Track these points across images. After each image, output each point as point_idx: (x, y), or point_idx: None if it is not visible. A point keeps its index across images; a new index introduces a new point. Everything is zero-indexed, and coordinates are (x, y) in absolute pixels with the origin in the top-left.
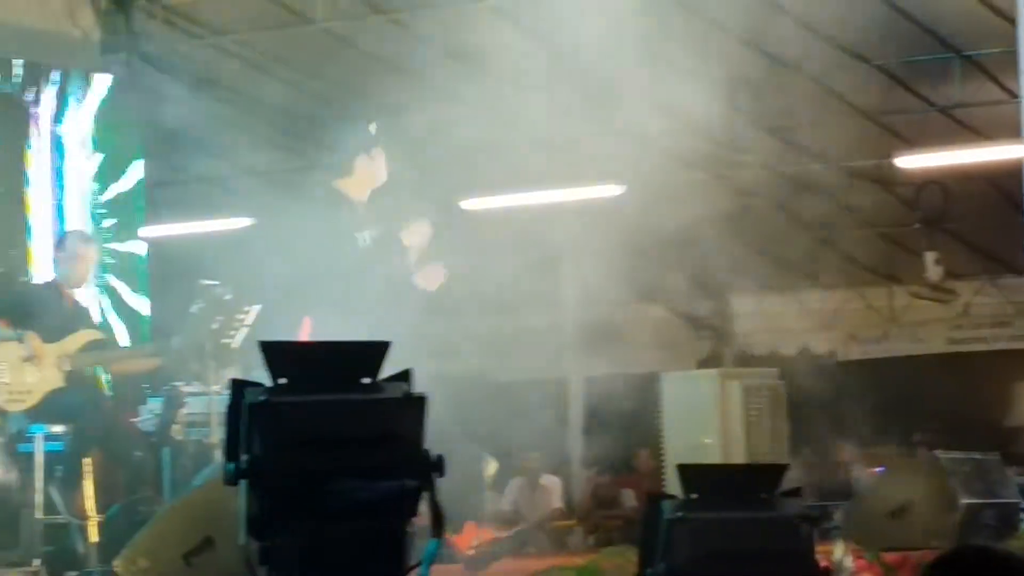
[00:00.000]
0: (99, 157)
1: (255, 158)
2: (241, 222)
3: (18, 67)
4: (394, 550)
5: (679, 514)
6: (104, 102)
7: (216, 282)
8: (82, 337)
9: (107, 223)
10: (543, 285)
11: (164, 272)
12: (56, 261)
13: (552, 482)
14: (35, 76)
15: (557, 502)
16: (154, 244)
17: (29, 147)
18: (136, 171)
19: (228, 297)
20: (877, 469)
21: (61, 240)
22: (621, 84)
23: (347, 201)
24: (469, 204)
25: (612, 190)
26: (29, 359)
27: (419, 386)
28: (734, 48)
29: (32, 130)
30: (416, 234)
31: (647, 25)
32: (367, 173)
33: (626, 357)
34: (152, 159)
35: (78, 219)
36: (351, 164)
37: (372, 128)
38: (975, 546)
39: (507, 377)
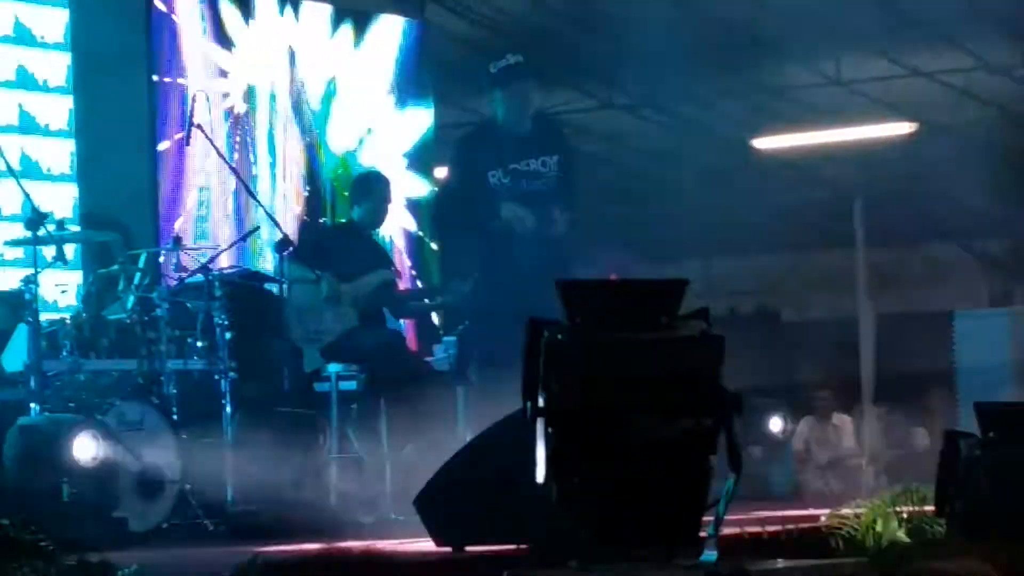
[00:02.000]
0: (392, 98)
1: (546, 98)
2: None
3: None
4: (692, 488)
5: (978, 452)
6: (398, 44)
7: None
8: (377, 277)
9: (401, 164)
10: (834, 223)
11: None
12: (355, 201)
13: (843, 421)
14: (328, 18)
15: (849, 441)
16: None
17: (329, 88)
18: (428, 112)
19: None
20: None
21: (360, 180)
22: (913, 21)
23: (500, 135)
24: (761, 143)
25: (904, 127)
26: (326, 299)
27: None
28: None
29: (327, 73)
30: None
31: None
32: (505, 107)
33: (917, 295)
34: (443, 100)
35: (374, 161)
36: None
37: (495, 66)
38: None
39: (798, 316)
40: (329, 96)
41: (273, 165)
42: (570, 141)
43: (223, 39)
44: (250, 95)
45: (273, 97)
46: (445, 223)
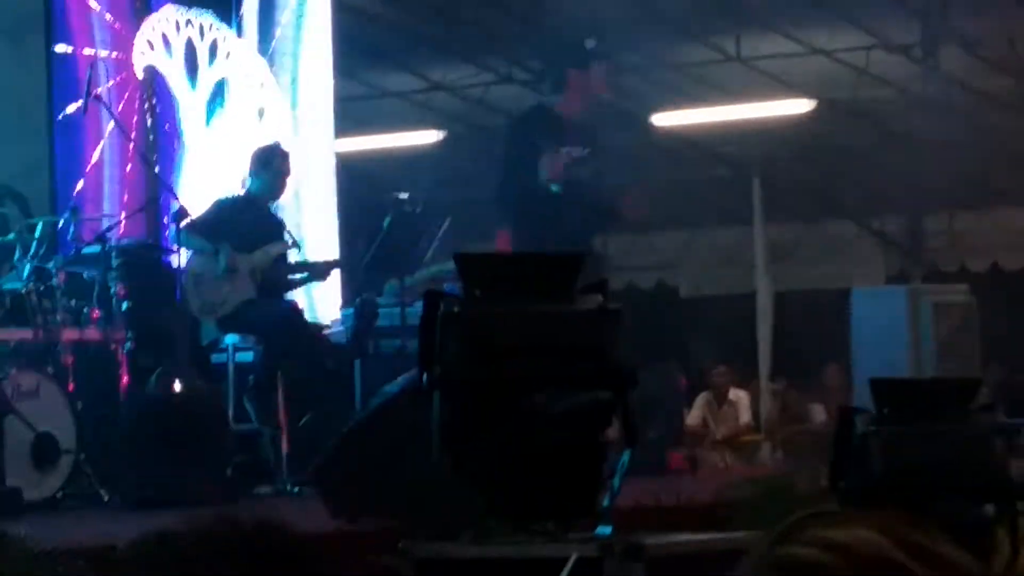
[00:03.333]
0: (294, 70)
1: (447, 73)
2: (432, 136)
3: None
4: (587, 461)
5: (872, 428)
6: (298, 14)
7: (406, 195)
8: (275, 249)
9: (300, 136)
10: (732, 200)
11: (355, 185)
12: (254, 174)
13: (740, 397)
14: None
15: (745, 417)
16: (346, 158)
17: (224, 59)
18: (328, 84)
19: (419, 210)
20: None
21: (259, 153)
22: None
23: (556, 117)
24: (660, 119)
25: (803, 105)
26: (224, 271)
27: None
28: None
29: (226, 43)
30: None
31: None
32: (579, 89)
33: (814, 273)
34: (343, 73)
35: (274, 132)
36: (562, 79)
37: (589, 43)
38: None
39: (696, 292)
40: (224, 74)
41: (179, 136)
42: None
43: (125, 13)
44: (151, 71)
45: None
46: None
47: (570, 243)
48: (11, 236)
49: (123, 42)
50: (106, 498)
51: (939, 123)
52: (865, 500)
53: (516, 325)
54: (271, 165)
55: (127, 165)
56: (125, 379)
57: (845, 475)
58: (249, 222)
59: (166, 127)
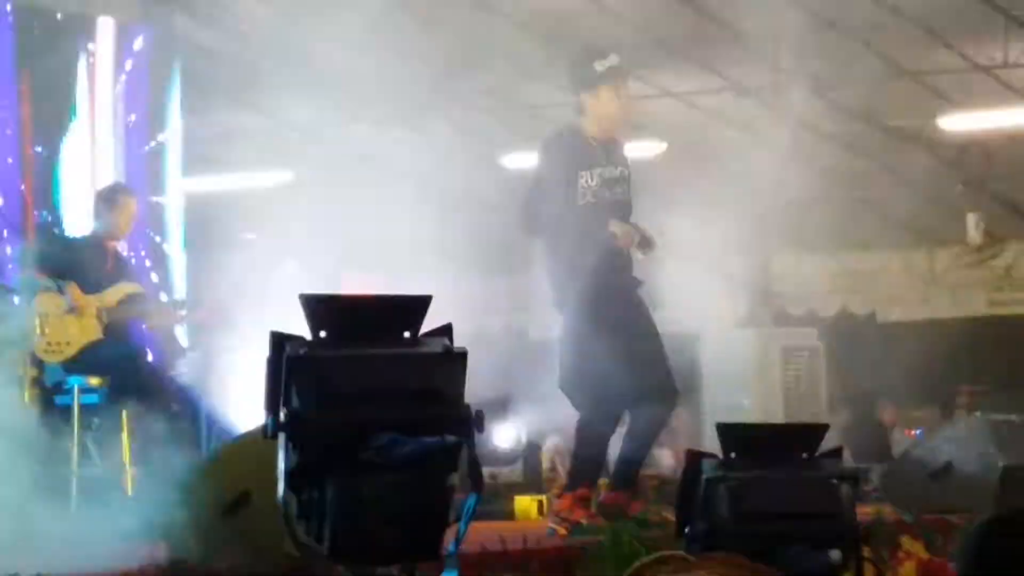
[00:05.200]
0: (139, 109)
1: (296, 112)
2: (280, 176)
3: (59, 18)
4: (434, 505)
5: (719, 473)
6: (144, 54)
7: (254, 236)
8: (121, 289)
9: (146, 176)
10: None
11: (202, 226)
12: (98, 213)
13: None
14: (76, 27)
15: None
16: (192, 198)
17: (68, 98)
18: (175, 124)
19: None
20: (916, 431)
21: (104, 192)
22: (662, 43)
23: (584, 138)
24: (510, 160)
25: (653, 148)
26: (70, 311)
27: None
28: (775, 5)
29: (71, 81)
30: None
31: None
32: (595, 112)
33: (662, 316)
34: (191, 112)
35: (118, 172)
36: (578, 102)
37: (599, 65)
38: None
39: (543, 334)
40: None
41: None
42: None
43: None
44: None
45: None
46: (534, 225)
47: (607, 259)
48: None
49: None
50: None
51: (787, 166)
52: (712, 545)
53: (361, 367)
54: (115, 204)
55: None
56: None
57: (692, 520)
58: (95, 262)
59: (8, 161)
